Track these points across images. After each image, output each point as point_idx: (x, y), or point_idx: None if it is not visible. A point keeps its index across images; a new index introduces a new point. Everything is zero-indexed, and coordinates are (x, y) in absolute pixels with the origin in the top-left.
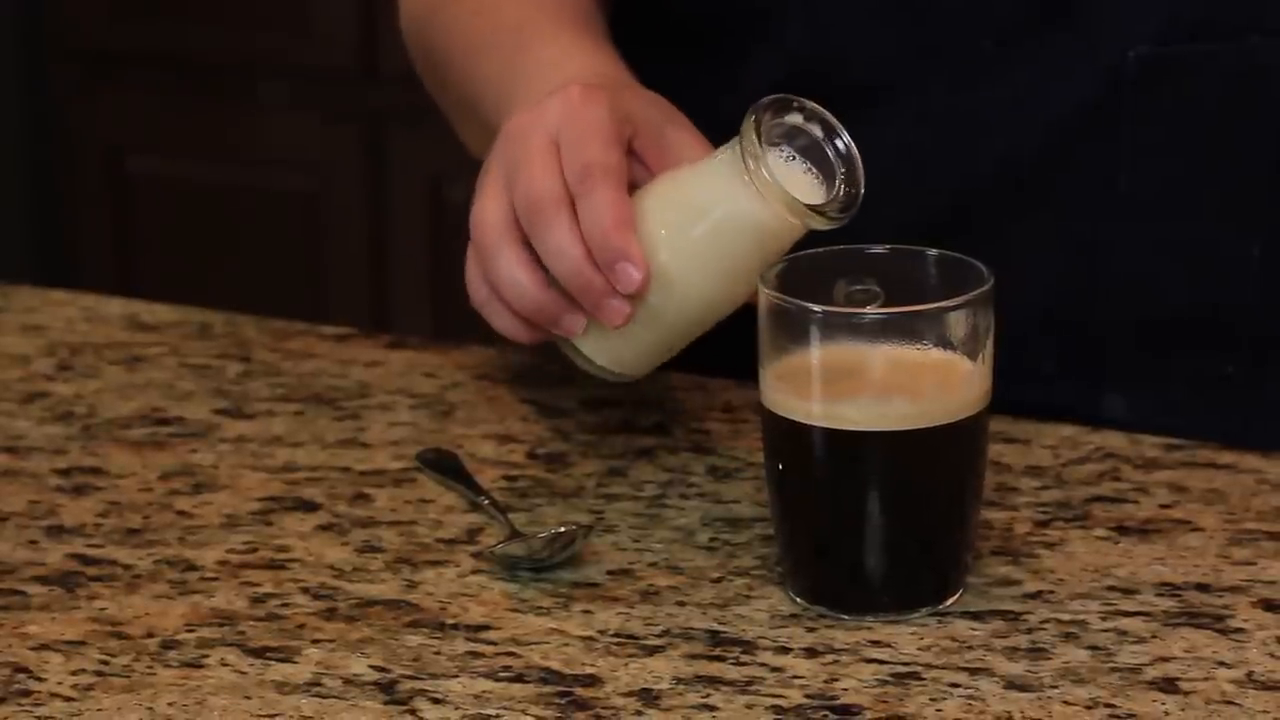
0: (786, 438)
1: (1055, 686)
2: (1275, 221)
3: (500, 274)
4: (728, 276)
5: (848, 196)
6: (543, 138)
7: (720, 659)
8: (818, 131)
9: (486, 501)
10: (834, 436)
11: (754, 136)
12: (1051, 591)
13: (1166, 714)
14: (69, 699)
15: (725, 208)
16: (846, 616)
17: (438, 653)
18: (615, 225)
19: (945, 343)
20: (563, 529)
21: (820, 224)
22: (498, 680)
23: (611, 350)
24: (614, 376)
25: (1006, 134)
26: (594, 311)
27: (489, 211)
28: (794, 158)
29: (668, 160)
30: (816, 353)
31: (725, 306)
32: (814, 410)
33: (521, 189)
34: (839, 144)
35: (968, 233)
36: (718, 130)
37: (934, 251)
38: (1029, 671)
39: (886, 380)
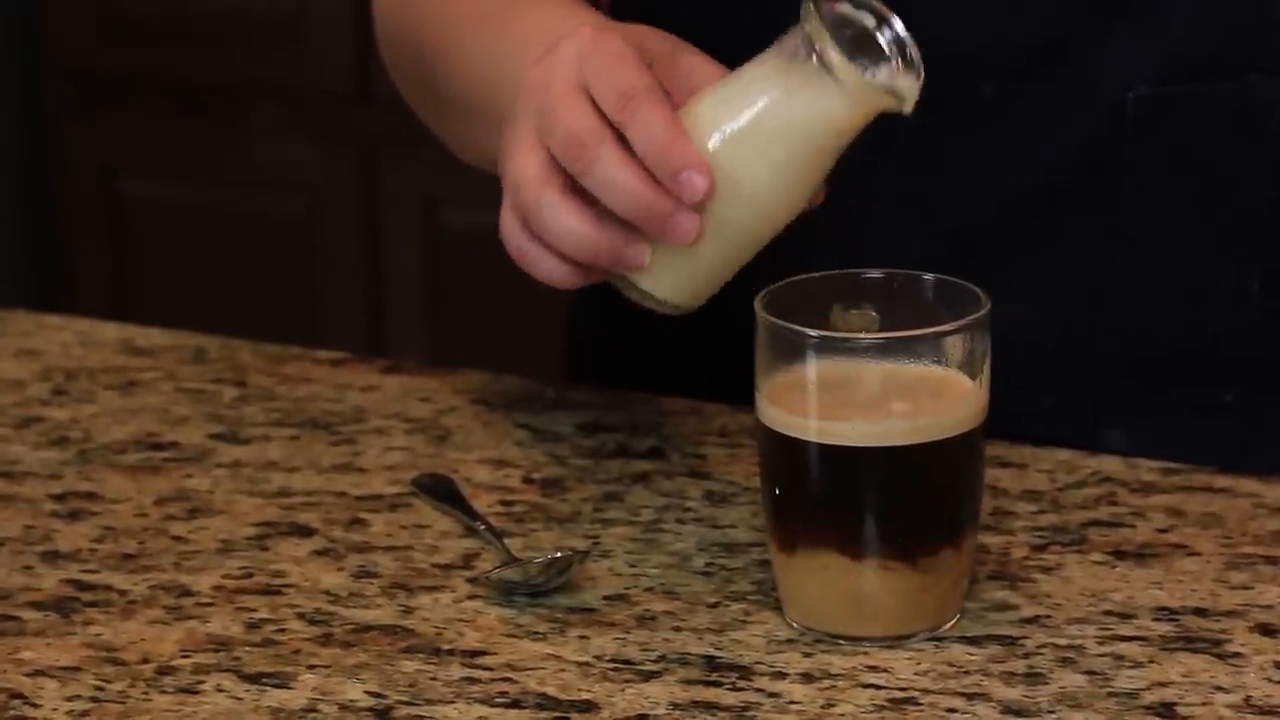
0: (783, 455)
1: (1052, 711)
2: (1275, 254)
3: (548, 225)
4: (791, 173)
5: (914, 73)
6: (566, 80)
7: (717, 684)
8: (870, 21)
9: (482, 526)
10: (830, 452)
11: (818, 23)
12: (1048, 616)
13: None
14: None
15: (788, 103)
16: (843, 641)
17: (434, 678)
18: (670, 139)
19: (942, 364)
20: (559, 554)
21: (891, 104)
22: (494, 706)
23: (673, 278)
24: (672, 309)
25: (1006, 175)
26: (662, 234)
27: (527, 166)
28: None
29: (684, 85)
30: (813, 373)
31: (787, 209)
32: (810, 426)
33: (559, 132)
34: (889, 31)
35: (968, 269)
36: None
37: (930, 276)
38: (1026, 696)
39: (883, 396)
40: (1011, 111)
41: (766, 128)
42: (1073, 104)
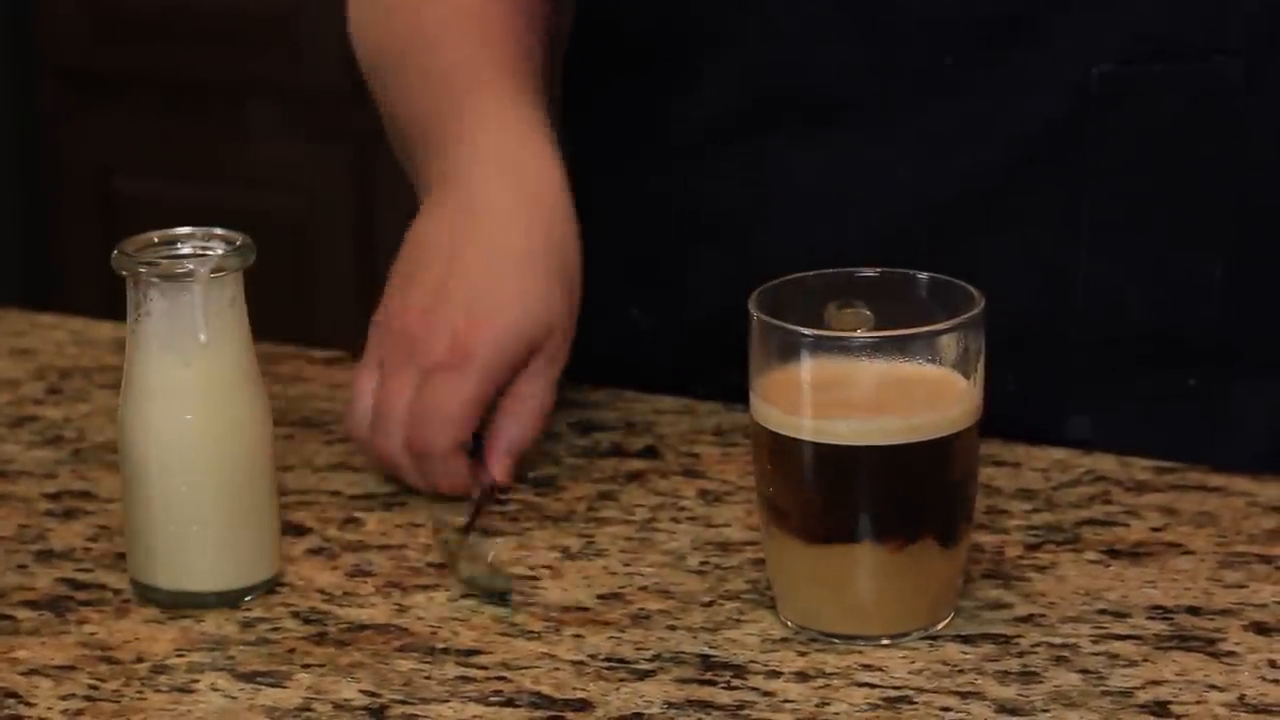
0: (777, 454)
1: (1047, 710)
2: (1237, 240)
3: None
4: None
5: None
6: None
7: (711, 683)
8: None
9: (469, 533)
10: (825, 451)
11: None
12: (1043, 615)
13: None
14: None
15: (139, 343)
16: (837, 640)
17: (428, 677)
18: None
19: (936, 363)
20: (490, 558)
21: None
22: (488, 705)
23: (181, 569)
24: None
25: (971, 150)
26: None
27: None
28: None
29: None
30: (807, 373)
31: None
32: (805, 425)
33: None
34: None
35: (933, 249)
36: (677, 148)
37: (925, 274)
38: (1020, 695)
39: (878, 395)
40: (974, 85)
41: (136, 380)
42: (1036, 79)
